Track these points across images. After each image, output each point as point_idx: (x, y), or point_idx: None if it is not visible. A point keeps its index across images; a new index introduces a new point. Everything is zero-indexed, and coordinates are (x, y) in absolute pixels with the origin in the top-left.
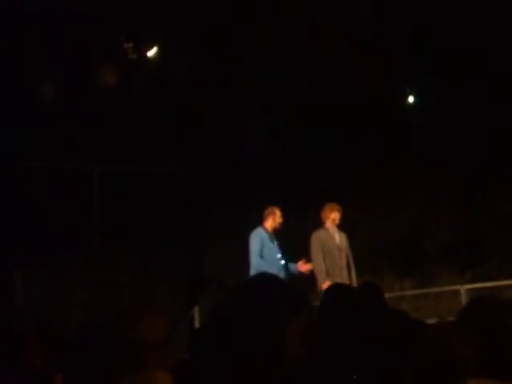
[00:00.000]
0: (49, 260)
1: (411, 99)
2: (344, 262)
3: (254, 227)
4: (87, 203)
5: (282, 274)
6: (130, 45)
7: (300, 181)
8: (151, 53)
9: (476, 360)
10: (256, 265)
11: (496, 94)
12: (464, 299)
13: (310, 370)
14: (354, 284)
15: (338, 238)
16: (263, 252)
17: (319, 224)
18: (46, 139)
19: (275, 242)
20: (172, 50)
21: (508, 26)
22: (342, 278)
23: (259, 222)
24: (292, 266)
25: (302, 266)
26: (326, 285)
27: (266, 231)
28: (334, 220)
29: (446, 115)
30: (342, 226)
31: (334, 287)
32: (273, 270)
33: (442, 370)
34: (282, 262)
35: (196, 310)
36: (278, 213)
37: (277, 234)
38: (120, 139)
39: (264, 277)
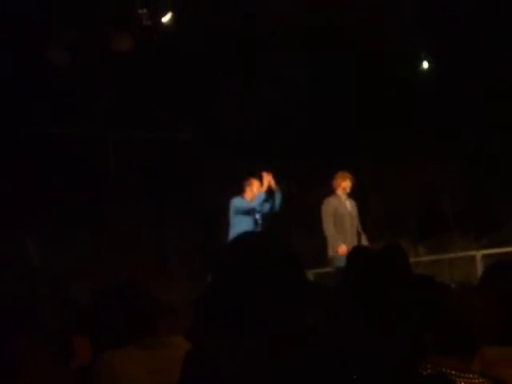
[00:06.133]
0: (63, 224)
1: (425, 65)
2: (355, 229)
3: None
4: (102, 168)
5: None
6: (145, 11)
7: (314, 150)
8: (166, 19)
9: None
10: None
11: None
12: (480, 265)
13: (335, 333)
14: None
15: (349, 205)
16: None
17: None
18: (60, 105)
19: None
20: (186, 16)
21: None
22: (354, 244)
23: None
24: None
25: (266, 177)
26: (342, 248)
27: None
28: (344, 189)
29: (457, 80)
30: (358, 193)
31: (359, 250)
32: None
33: (463, 335)
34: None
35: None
36: (255, 183)
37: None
38: (134, 105)
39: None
